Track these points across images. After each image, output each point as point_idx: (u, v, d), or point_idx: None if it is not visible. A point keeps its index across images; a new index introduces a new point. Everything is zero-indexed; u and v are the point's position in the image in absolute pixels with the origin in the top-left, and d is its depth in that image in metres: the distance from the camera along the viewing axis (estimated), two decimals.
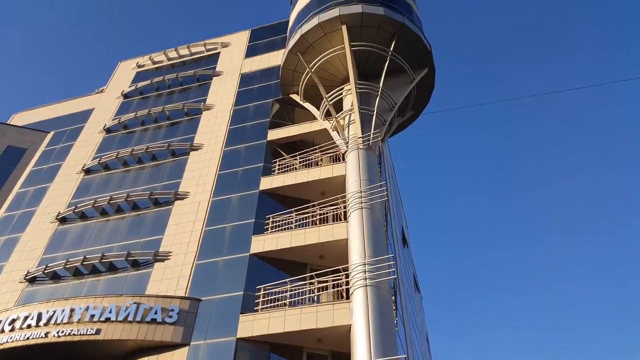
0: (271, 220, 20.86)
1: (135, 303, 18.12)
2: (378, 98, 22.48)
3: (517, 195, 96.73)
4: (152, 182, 24.95)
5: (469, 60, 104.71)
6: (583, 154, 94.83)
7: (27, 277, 21.84)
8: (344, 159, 21.69)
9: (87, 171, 27.31)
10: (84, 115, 32.33)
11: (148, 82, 32.39)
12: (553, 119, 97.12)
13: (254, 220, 20.83)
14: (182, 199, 23.31)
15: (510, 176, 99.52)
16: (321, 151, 23.46)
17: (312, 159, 23.26)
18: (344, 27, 23.29)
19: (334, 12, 23.39)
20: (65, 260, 21.77)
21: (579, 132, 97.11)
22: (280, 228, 20.53)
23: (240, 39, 33.81)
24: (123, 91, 32.76)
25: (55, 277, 21.74)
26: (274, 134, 24.79)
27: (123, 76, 34.87)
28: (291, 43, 24.68)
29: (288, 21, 31.71)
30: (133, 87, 32.72)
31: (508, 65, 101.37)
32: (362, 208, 18.72)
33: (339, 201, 20.89)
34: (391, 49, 23.39)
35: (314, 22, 23.74)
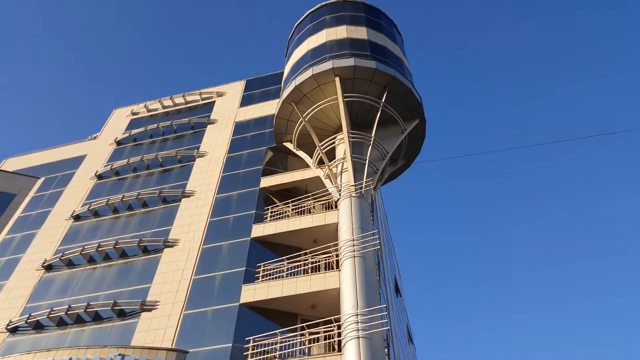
0: (262, 268, 20.90)
1: (120, 355, 17.79)
2: (370, 147, 23.18)
3: (508, 237, 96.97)
4: (141, 229, 25.02)
5: (463, 107, 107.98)
6: (563, 200, 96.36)
7: (8, 327, 21.40)
8: (336, 207, 22.04)
9: (76, 218, 27.39)
10: (76, 162, 32.72)
11: (142, 129, 33.06)
12: (548, 169, 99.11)
13: (244, 268, 20.84)
14: (172, 246, 23.33)
15: (503, 219, 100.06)
16: (314, 199, 23.83)
17: (304, 207, 23.58)
18: (337, 79, 24.34)
19: (328, 65, 24.52)
20: (49, 310, 21.45)
21: (565, 183, 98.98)
22: (272, 277, 20.54)
23: (235, 89, 34.93)
24: (116, 138, 33.36)
25: (38, 326, 21.33)
26: (266, 181, 25.21)
27: (117, 123, 35.61)
28: (285, 93, 25.63)
29: (282, 72, 33.00)
30: (127, 134, 33.37)
31: (502, 114, 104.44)
32: (354, 257, 18.86)
33: (331, 249, 21.05)
34: (383, 100, 24.36)
35: (308, 73, 24.80)
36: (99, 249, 23.98)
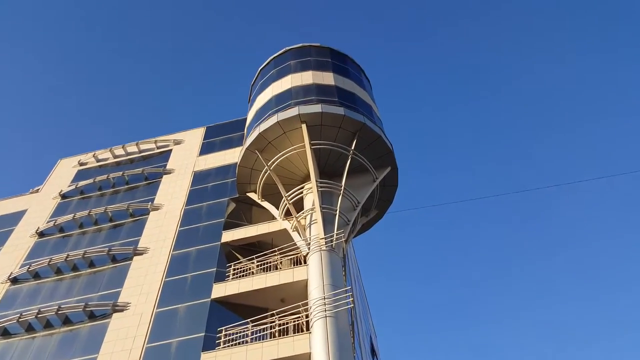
0: (224, 333, 20.26)
1: None
2: (341, 197, 23.41)
3: (489, 289, 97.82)
4: (88, 292, 24.08)
5: (440, 153, 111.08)
6: (547, 249, 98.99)
7: None
8: (305, 262, 21.89)
9: (14, 280, 26.10)
10: (15, 218, 31.57)
11: (90, 180, 32.53)
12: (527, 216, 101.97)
13: (204, 334, 20.16)
14: (122, 310, 22.46)
15: (480, 269, 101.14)
16: (281, 253, 23.63)
17: (270, 263, 23.31)
18: (303, 126, 24.78)
19: (293, 111, 25.00)
20: None
21: (547, 228, 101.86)
22: (234, 342, 19.91)
23: (194, 136, 35.03)
24: (61, 191, 32.60)
25: None
26: (229, 236, 24.95)
27: (62, 175, 34.87)
28: (249, 140, 25.86)
29: (245, 119, 33.45)
30: (73, 187, 32.68)
31: (480, 161, 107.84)
32: (326, 317, 18.60)
33: (300, 309, 20.68)
34: (352, 147, 24.85)
35: (273, 120, 25.20)
36: (39, 316, 22.79)
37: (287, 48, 30.65)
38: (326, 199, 23.89)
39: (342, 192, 23.61)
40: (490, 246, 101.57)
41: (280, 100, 26.63)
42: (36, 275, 26.03)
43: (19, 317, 22.88)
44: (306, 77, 27.75)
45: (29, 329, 22.79)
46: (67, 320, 22.70)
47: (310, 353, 18.01)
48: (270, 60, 30.96)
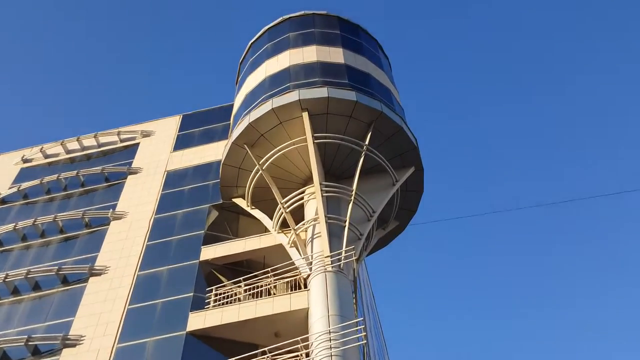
0: None
1: None
2: (351, 205, 23.30)
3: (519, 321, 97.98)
4: (32, 321, 24.08)
5: (470, 154, 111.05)
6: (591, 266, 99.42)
7: None
8: (305, 286, 21.81)
9: None
10: None
11: (36, 181, 32.66)
12: (569, 230, 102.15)
13: None
14: (74, 345, 22.48)
15: (515, 295, 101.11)
16: (275, 275, 23.60)
17: (262, 287, 23.23)
18: (305, 115, 24.75)
19: (293, 96, 24.98)
20: None
21: (586, 244, 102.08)
22: None
23: (167, 127, 35.11)
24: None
25: None
26: (209, 252, 24.92)
27: (1, 174, 35.00)
28: (236, 133, 25.85)
29: (232, 105, 33.45)
30: (14, 189, 32.81)
31: (520, 165, 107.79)
32: (331, 355, 18.49)
33: (299, 346, 20.59)
34: (366, 142, 24.82)
35: (267, 107, 25.18)
36: None
37: (285, 17, 30.73)
38: (333, 206, 23.85)
39: (352, 198, 23.53)
40: (528, 269, 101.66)
41: (276, 82, 26.65)
42: None
43: None
44: (308, 53, 27.73)
45: None
46: (6, 358, 22.66)
47: None
48: (264, 32, 31.01)
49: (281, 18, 30.79)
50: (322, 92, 24.95)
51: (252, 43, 31.40)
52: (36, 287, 25.98)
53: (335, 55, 27.84)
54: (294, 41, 28.91)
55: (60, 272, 25.91)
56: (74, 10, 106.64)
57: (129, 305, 23.64)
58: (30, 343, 22.74)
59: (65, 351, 22.32)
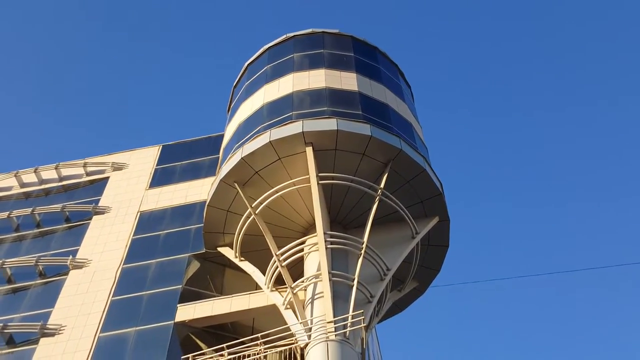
0: None
1: None
2: (361, 260, 23.24)
3: None
4: None
5: (508, 201, 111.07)
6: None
7: None
8: (302, 358, 21.54)
9: None
10: None
11: None
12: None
13: None
14: None
15: None
16: (265, 342, 23.32)
17: (250, 356, 22.93)
18: (309, 150, 24.89)
19: (295, 128, 25.18)
20: None
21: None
22: None
23: (143, 159, 35.40)
24: None
25: None
26: (187, 312, 24.89)
27: None
28: (226, 169, 25.99)
29: (222, 136, 33.65)
30: None
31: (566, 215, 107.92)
32: None
33: None
34: (381, 185, 24.92)
35: (264, 139, 25.35)
36: None
37: (290, 35, 31.34)
38: (339, 261, 23.83)
39: (363, 252, 23.52)
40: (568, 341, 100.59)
41: (276, 111, 26.92)
42: None
43: None
44: (316, 78, 28.09)
45: None
46: None
47: None
48: (264, 52, 31.54)
49: (285, 36, 31.32)
50: (330, 124, 25.20)
51: (248, 64, 31.90)
52: None
53: (348, 81, 28.17)
54: (299, 63, 29.32)
55: (5, 332, 25.82)
56: (39, 25, 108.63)
57: None
58: None
59: None
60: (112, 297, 26.63)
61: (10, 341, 25.74)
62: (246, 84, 30.88)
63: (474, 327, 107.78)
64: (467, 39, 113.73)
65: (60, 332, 25.52)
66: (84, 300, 26.78)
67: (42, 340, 25.26)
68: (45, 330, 25.56)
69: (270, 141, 25.14)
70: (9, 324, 26.04)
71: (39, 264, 28.97)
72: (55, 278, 28.46)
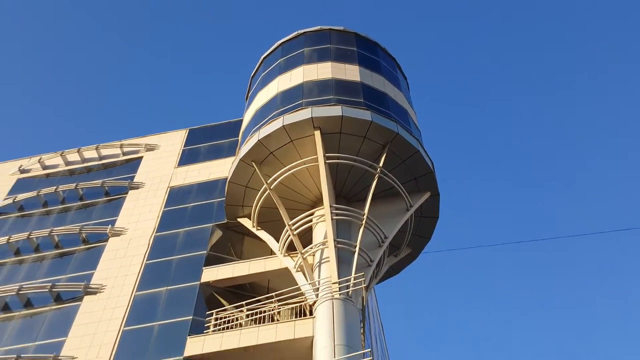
0: None
1: None
2: (362, 229, 23.54)
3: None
4: (24, 341, 24.33)
5: (490, 178, 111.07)
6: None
7: None
8: (311, 313, 21.94)
9: None
10: None
11: (33, 193, 33.10)
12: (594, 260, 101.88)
13: None
14: None
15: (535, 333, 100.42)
16: (279, 301, 23.72)
17: (265, 312, 23.38)
18: (317, 133, 25.12)
19: (305, 114, 25.38)
20: None
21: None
22: None
23: (172, 141, 35.59)
24: None
25: None
26: (211, 274, 25.15)
27: None
28: (244, 149, 26.25)
29: (241, 121, 33.87)
30: (10, 200, 33.26)
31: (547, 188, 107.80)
32: None
33: None
34: (380, 165, 25.13)
35: (278, 124, 25.57)
36: None
37: (301, 31, 31.26)
38: (343, 231, 24.06)
39: (364, 222, 23.76)
40: (541, 298, 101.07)
41: (288, 99, 27.07)
42: None
43: None
44: (323, 70, 28.20)
45: None
46: None
47: None
48: (278, 46, 31.55)
49: (296, 32, 31.31)
50: (336, 110, 25.33)
51: (264, 57, 31.92)
52: (28, 304, 26.24)
53: (351, 72, 28.27)
54: (308, 57, 29.39)
55: (54, 290, 26.21)
56: (80, 20, 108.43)
57: (125, 327, 23.84)
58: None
59: None
60: (147, 261, 26.96)
61: (58, 298, 26.16)
62: (262, 75, 30.99)
63: (460, 288, 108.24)
64: (457, 28, 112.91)
65: (101, 290, 26.03)
66: (121, 264, 27.17)
67: (86, 298, 25.75)
68: (88, 289, 26.07)
69: (283, 125, 25.35)
70: (57, 283, 26.62)
71: (82, 232, 29.35)
72: (97, 244, 28.86)
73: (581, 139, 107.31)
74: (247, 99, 32.23)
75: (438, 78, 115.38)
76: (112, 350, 22.93)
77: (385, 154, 25.33)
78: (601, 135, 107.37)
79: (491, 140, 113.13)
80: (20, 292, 26.35)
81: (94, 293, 25.92)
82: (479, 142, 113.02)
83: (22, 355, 23.21)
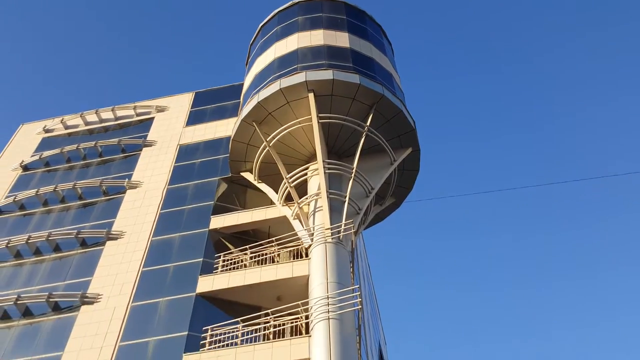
0: (210, 333, 21.07)
1: None
2: (351, 181, 23.92)
3: (522, 295, 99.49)
4: (52, 281, 24.94)
5: (464, 135, 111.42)
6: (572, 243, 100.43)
7: None
8: (307, 255, 22.58)
9: None
10: None
11: (57, 150, 33.31)
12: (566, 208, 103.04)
13: (187, 333, 20.99)
14: (92, 303, 23.34)
15: (511, 274, 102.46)
16: (279, 244, 24.28)
17: (266, 254, 23.99)
18: (311, 96, 25.25)
19: (300, 77, 25.42)
20: None
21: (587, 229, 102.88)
22: (222, 344, 20.72)
23: (180, 103, 35.61)
24: (22, 161, 33.37)
25: None
26: (218, 221, 25.61)
27: (24, 142, 35.62)
28: (246, 110, 26.39)
29: (242, 84, 33.91)
30: (36, 157, 33.44)
31: (515, 144, 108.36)
32: (329, 319, 19.28)
33: (299, 309, 21.41)
34: (368, 123, 25.35)
35: (275, 87, 25.65)
36: None
37: (295, 1, 30.96)
38: (334, 183, 24.47)
39: (353, 175, 24.09)
40: (517, 245, 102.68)
41: (284, 64, 27.05)
42: None
43: None
44: (316, 37, 28.14)
45: None
46: (27, 312, 23.57)
47: (309, 359, 18.76)
48: (274, 15, 31.31)
49: (291, 2, 31.06)
50: (327, 74, 25.36)
51: (262, 26, 31.70)
52: (56, 248, 26.76)
53: (342, 39, 28.20)
54: (302, 25, 29.23)
55: (80, 236, 26.70)
56: None
57: (144, 267, 24.46)
58: (51, 299, 23.66)
59: (83, 308, 23.26)
60: (161, 210, 27.36)
61: (84, 243, 26.49)
62: (260, 42, 30.84)
63: (437, 232, 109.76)
64: None
65: (121, 236, 26.48)
66: (138, 213, 27.53)
67: (108, 243, 26.16)
68: (110, 235, 26.51)
69: (280, 88, 25.39)
70: (82, 230, 26.90)
71: (102, 185, 29.62)
72: (116, 196, 29.19)
73: (556, 90, 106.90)
74: (247, 64, 32.17)
75: (423, 44, 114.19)
76: (133, 288, 23.60)
77: (372, 114, 25.51)
78: (589, 87, 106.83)
79: (469, 99, 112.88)
80: (50, 238, 26.86)
81: (115, 239, 26.43)
82: (459, 102, 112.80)
83: (53, 293, 23.85)
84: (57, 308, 23.57)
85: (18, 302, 23.65)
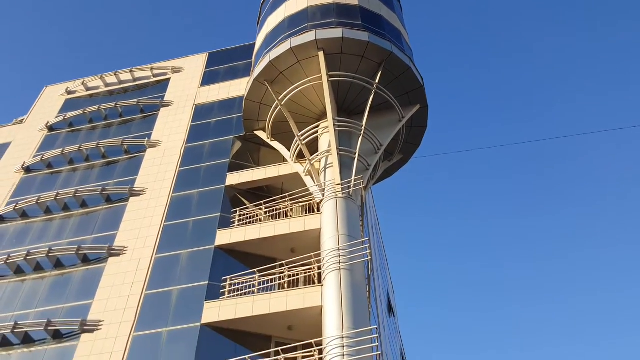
0: (229, 282, 21.54)
1: None
2: (361, 138, 23.83)
3: (516, 266, 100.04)
4: (81, 234, 25.45)
5: (472, 92, 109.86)
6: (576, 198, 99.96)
7: None
8: (318, 210, 22.73)
9: (0, 219, 27.61)
10: None
11: (79, 111, 33.37)
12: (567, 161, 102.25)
13: (207, 282, 21.46)
14: (118, 255, 23.84)
15: (510, 239, 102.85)
16: (292, 200, 24.45)
17: (280, 209, 24.21)
18: (321, 54, 24.92)
19: (310, 36, 25.06)
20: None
21: (591, 181, 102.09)
22: (240, 292, 21.21)
23: (195, 64, 35.34)
24: (48, 122, 33.56)
25: None
26: (234, 178, 25.78)
27: (49, 104, 35.73)
28: (257, 70, 26.14)
29: (254, 44, 33.49)
30: (61, 118, 33.59)
31: (520, 101, 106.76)
32: (340, 269, 19.60)
33: (312, 260, 21.76)
34: (376, 81, 25.04)
35: (286, 46, 25.32)
36: (29, 258, 24.40)
37: None
38: (344, 140, 24.40)
39: (362, 132, 23.99)
40: (519, 196, 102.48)
41: (295, 23, 26.63)
42: (24, 215, 27.44)
43: (7, 259, 24.45)
44: None
45: (18, 271, 24.41)
46: (58, 264, 24.22)
47: (321, 307, 19.19)
48: None
49: None
50: (337, 32, 24.94)
51: None
52: (83, 204, 27.21)
53: None
54: None
55: (104, 192, 27.05)
56: None
57: (165, 222, 24.83)
58: (80, 252, 24.23)
59: (110, 259, 23.81)
60: (180, 167, 27.52)
61: (108, 199, 26.83)
62: (271, 1, 30.24)
63: (444, 188, 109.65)
64: None
65: (143, 192, 26.69)
66: (158, 171, 27.71)
67: (131, 199, 26.45)
68: (133, 191, 26.77)
69: (291, 47, 25.08)
70: (106, 187, 27.20)
71: (124, 144, 29.81)
72: (137, 154, 29.36)
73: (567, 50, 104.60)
74: (258, 24, 31.68)
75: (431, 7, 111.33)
76: (156, 241, 24.03)
77: (380, 71, 25.18)
78: (597, 42, 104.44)
79: (477, 57, 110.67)
80: (77, 194, 27.23)
81: (138, 195, 26.75)
82: (467, 58, 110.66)
83: (82, 246, 24.39)
84: (86, 260, 24.14)
85: (50, 254, 24.26)
